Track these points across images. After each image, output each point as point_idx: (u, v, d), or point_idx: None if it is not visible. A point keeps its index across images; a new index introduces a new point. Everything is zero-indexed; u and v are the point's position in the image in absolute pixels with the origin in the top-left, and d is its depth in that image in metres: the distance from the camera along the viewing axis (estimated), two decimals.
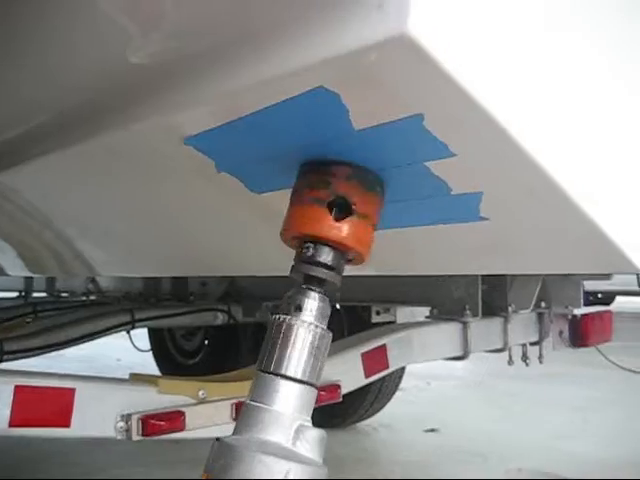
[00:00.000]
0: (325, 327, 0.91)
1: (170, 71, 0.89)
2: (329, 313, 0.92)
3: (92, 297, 4.93)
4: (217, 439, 0.86)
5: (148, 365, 5.12)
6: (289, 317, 0.89)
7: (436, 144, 0.77)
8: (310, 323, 0.89)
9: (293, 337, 0.88)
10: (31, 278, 5.09)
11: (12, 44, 1.07)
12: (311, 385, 0.89)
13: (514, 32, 0.69)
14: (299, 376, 0.87)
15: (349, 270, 0.96)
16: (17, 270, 2.82)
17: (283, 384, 0.87)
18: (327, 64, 0.68)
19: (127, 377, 2.03)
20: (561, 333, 3.07)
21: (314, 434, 0.87)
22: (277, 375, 0.87)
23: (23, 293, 5.17)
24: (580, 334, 3.05)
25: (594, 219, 0.86)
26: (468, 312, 2.70)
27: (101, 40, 0.95)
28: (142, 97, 0.96)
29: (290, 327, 0.88)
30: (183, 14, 0.81)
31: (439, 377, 5.46)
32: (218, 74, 0.82)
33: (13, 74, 1.16)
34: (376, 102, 0.73)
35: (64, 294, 5.23)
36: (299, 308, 0.90)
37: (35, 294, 5.26)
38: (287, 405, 0.86)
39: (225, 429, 1.90)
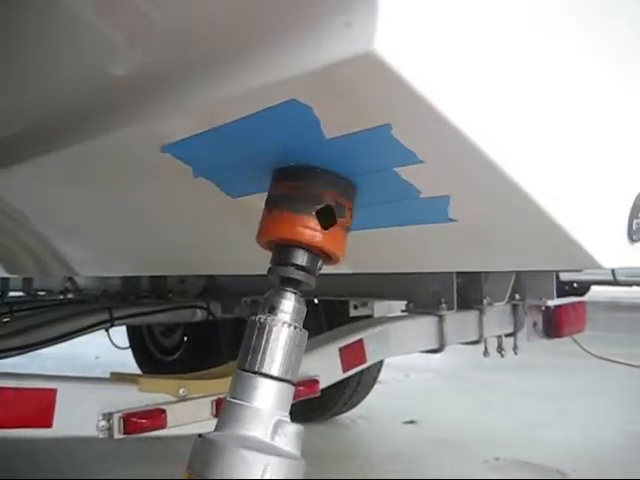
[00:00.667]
0: (301, 326, 0.95)
1: (149, 83, 0.92)
2: (305, 313, 0.96)
3: (70, 296, 4.92)
4: (199, 435, 0.89)
5: (127, 363, 5.12)
6: (267, 317, 0.93)
7: (404, 152, 0.81)
8: (287, 323, 0.93)
9: (271, 337, 0.91)
10: (7, 277, 5.06)
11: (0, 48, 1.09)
12: (288, 382, 0.92)
13: (474, 46, 0.73)
14: (277, 374, 0.91)
15: (324, 269, 1.00)
16: None
17: (262, 382, 0.90)
18: (298, 79, 0.72)
19: (107, 376, 2.05)
20: (535, 324, 3.12)
21: (292, 429, 0.91)
22: (256, 373, 0.91)
23: None
24: (554, 325, 3.11)
25: (557, 220, 0.90)
26: (444, 305, 2.75)
27: (84, 49, 0.98)
28: (122, 106, 0.99)
29: (268, 327, 0.92)
30: (163, 30, 0.84)
31: (417, 369, 5.51)
32: (195, 86, 0.85)
33: None
34: (346, 113, 0.77)
35: (41, 293, 5.20)
36: (276, 309, 0.93)
37: (12, 293, 5.22)
38: (266, 402, 0.90)
39: (206, 426, 1.93)
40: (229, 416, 0.90)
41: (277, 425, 0.89)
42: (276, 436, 0.88)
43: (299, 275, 0.94)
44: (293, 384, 0.93)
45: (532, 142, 0.84)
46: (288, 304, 0.93)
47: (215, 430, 0.90)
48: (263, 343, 0.91)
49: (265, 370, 0.90)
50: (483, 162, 0.79)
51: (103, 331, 3.69)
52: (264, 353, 0.91)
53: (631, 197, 0.99)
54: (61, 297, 4.91)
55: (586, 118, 0.92)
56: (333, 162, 0.90)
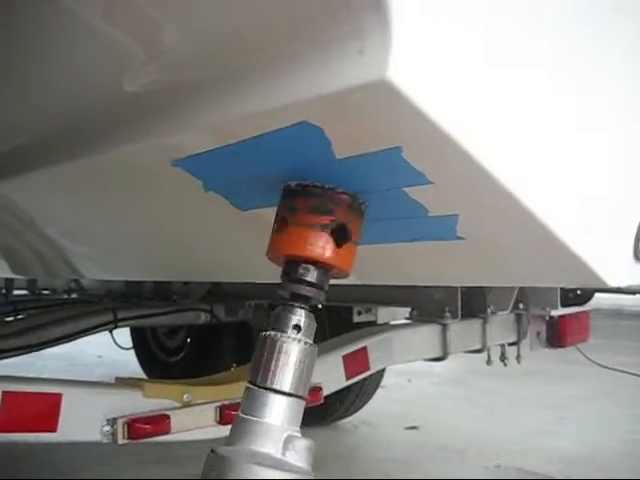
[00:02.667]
0: (311, 341, 0.95)
1: (163, 98, 0.93)
2: (315, 328, 0.97)
3: (74, 295, 4.93)
4: (212, 450, 0.90)
5: (130, 363, 5.14)
6: (277, 333, 0.93)
7: (414, 173, 0.82)
8: (297, 339, 0.93)
9: (281, 353, 0.92)
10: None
11: (18, 59, 1.10)
12: (299, 397, 0.93)
13: (483, 73, 0.74)
14: (287, 389, 0.92)
15: (332, 280, 1.01)
16: (0, 271, 2.84)
17: (272, 397, 0.91)
18: (311, 102, 0.73)
19: (110, 376, 2.07)
20: (539, 334, 3.12)
21: (302, 444, 0.91)
22: (267, 389, 0.92)
23: (4, 291, 5.13)
24: (557, 335, 3.11)
25: (563, 239, 0.90)
26: (448, 314, 2.75)
27: (101, 62, 0.99)
28: (137, 120, 1.00)
29: (278, 343, 0.93)
30: (180, 47, 0.85)
31: (420, 374, 5.51)
32: (210, 104, 0.86)
33: (13, 88, 1.19)
34: (357, 135, 0.78)
35: (45, 292, 5.22)
36: (286, 325, 0.94)
37: (16, 291, 5.23)
38: (277, 417, 0.91)
39: (209, 432, 1.95)
40: (240, 431, 0.91)
41: (288, 440, 0.90)
42: (287, 451, 0.89)
43: (309, 291, 0.95)
44: (303, 399, 0.94)
45: (539, 163, 0.85)
46: (298, 320, 0.94)
47: (226, 444, 0.91)
48: (274, 359, 0.92)
49: (276, 386, 0.91)
50: (492, 184, 0.80)
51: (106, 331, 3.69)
52: (275, 369, 0.91)
53: (637, 216, 1.00)
54: (65, 296, 4.92)
55: (593, 138, 0.93)
56: (343, 181, 0.91)
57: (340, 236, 0.93)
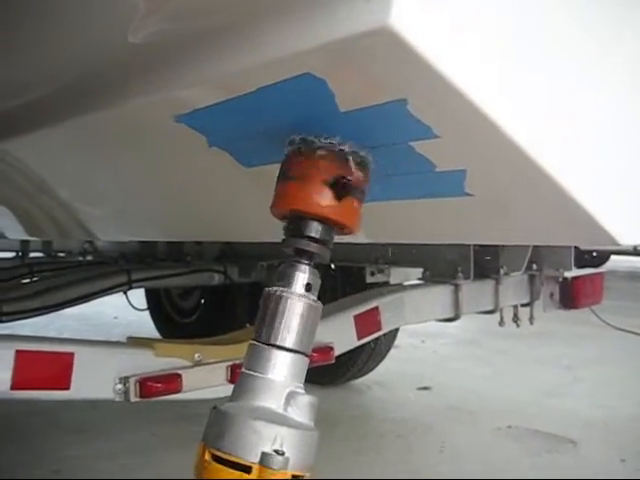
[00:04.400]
0: (315, 298, 0.95)
1: (165, 52, 0.92)
2: (319, 284, 0.96)
3: (88, 257, 4.96)
4: (214, 407, 0.91)
5: (145, 323, 5.18)
6: (281, 290, 0.93)
7: (420, 126, 0.80)
8: (301, 295, 0.93)
9: (285, 309, 0.92)
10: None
11: (21, 15, 1.09)
12: (302, 354, 0.93)
13: (490, 20, 0.71)
14: (291, 346, 0.92)
15: (342, 237, 1.00)
16: (16, 233, 2.86)
17: (276, 353, 0.91)
18: (313, 52, 0.72)
19: (125, 337, 2.08)
20: (552, 295, 3.10)
21: (305, 400, 0.91)
22: (270, 345, 0.91)
23: (20, 253, 5.17)
24: (570, 296, 3.09)
25: (573, 195, 0.89)
26: (460, 274, 2.74)
27: (102, 17, 0.97)
28: (139, 75, 0.99)
29: (282, 299, 0.92)
30: None
31: (433, 335, 5.52)
32: (211, 57, 0.85)
33: (17, 45, 1.17)
34: (361, 87, 0.76)
35: (61, 254, 5.25)
36: (290, 281, 0.93)
37: (32, 254, 5.27)
38: (279, 373, 0.91)
39: (220, 391, 1.96)
40: (243, 387, 0.91)
41: (290, 396, 0.90)
42: (289, 407, 0.90)
43: (313, 247, 0.94)
44: (307, 355, 0.94)
45: (549, 117, 0.83)
46: (302, 276, 0.94)
47: (230, 401, 0.91)
48: (277, 315, 0.91)
49: (279, 342, 0.91)
50: (499, 137, 0.79)
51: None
52: (278, 325, 0.91)
53: None
54: (80, 258, 4.96)
55: (606, 92, 0.90)
56: (348, 134, 0.89)
57: (343, 191, 0.91)
